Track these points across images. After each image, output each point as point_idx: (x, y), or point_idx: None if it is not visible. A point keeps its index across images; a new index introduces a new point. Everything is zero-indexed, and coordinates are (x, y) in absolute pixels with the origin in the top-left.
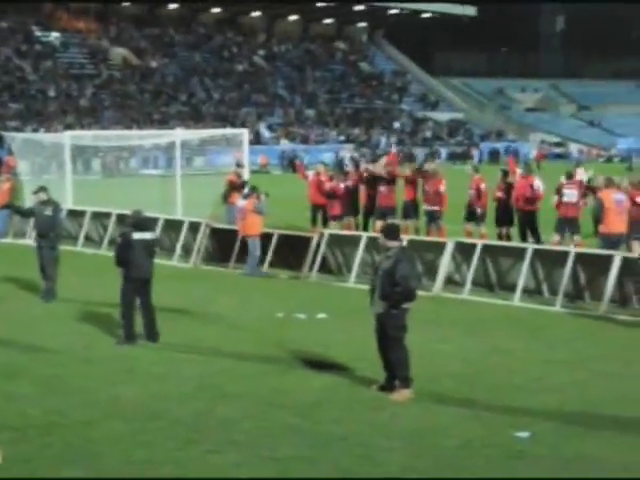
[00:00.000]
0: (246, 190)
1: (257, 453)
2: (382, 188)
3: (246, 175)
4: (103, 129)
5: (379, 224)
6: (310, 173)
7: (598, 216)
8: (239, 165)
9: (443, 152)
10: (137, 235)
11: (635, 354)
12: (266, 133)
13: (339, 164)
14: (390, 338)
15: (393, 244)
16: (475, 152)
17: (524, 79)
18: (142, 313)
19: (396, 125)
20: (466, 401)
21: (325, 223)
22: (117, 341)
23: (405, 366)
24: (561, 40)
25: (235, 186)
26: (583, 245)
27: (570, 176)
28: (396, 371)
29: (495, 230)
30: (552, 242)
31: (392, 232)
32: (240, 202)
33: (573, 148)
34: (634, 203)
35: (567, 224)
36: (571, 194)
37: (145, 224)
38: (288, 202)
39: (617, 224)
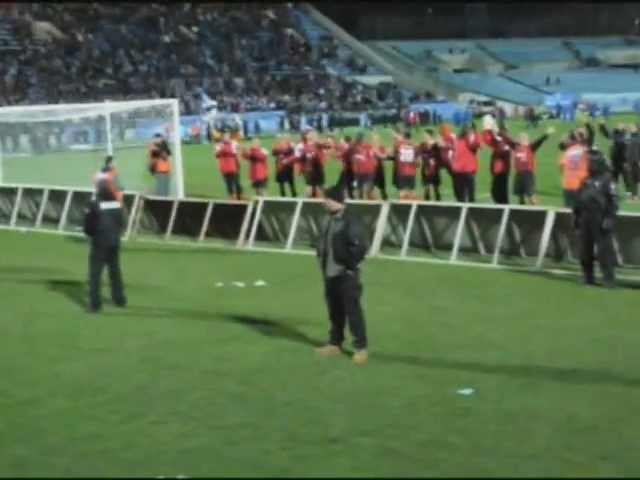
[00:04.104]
0: (107, 164)
1: (203, 423)
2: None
3: (177, 146)
4: (30, 105)
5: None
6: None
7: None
8: (158, 135)
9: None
10: (104, 205)
11: (571, 307)
12: (207, 100)
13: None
14: (347, 300)
15: (340, 206)
16: (362, 116)
17: (451, 40)
18: (110, 280)
19: (322, 91)
20: (409, 361)
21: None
22: (86, 310)
23: (363, 326)
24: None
25: (157, 154)
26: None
27: (408, 135)
28: (355, 332)
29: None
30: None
31: (338, 194)
32: (99, 175)
33: (507, 108)
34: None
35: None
36: (408, 154)
37: (111, 194)
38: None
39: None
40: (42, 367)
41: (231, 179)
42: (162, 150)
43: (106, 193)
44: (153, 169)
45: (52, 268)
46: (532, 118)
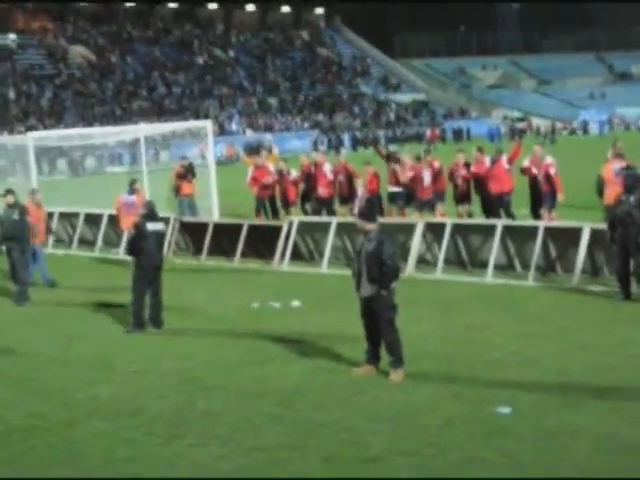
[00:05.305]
0: (133, 185)
1: (241, 444)
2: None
3: (212, 168)
4: (66, 128)
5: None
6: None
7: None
8: (184, 158)
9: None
10: (151, 226)
11: (608, 324)
12: (234, 125)
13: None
14: (382, 320)
15: (372, 226)
16: (381, 135)
17: (484, 57)
18: (151, 300)
19: (355, 110)
20: (446, 379)
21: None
22: (127, 330)
23: (399, 346)
24: (518, 15)
25: (183, 176)
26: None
27: (418, 158)
28: (391, 352)
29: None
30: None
31: (370, 214)
32: (127, 197)
33: (539, 123)
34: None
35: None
36: (427, 176)
37: (157, 215)
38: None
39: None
40: (80, 390)
41: (264, 202)
42: (188, 172)
43: (152, 214)
44: (177, 191)
45: (89, 291)
46: (552, 135)
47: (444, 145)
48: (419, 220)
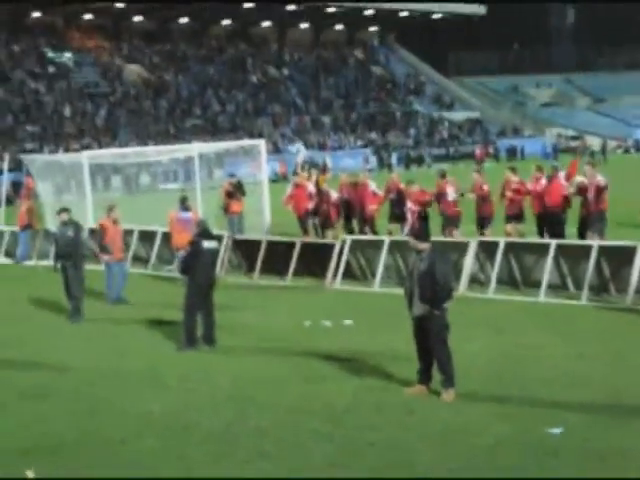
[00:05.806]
0: (185, 202)
1: (290, 462)
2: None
3: (265, 186)
4: (120, 146)
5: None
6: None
7: None
8: (232, 175)
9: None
10: (206, 244)
11: None
12: (292, 148)
13: None
14: (434, 339)
15: (424, 246)
16: (425, 153)
17: (537, 75)
18: (204, 318)
19: (412, 129)
20: (497, 399)
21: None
22: (178, 347)
23: (451, 365)
24: (572, 33)
25: (232, 194)
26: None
27: (443, 176)
28: (442, 371)
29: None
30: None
31: (423, 234)
32: (181, 214)
33: (592, 141)
34: None
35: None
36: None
37: (211, 233)
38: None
39: None
40: (131, 405)
41: (307, 220)
42: (237, 191)
43: (207, 232)
44: (226, 209)
45: (141, 307)
46: (604, 153)
47: (497, 164)
48: (472, 239)
